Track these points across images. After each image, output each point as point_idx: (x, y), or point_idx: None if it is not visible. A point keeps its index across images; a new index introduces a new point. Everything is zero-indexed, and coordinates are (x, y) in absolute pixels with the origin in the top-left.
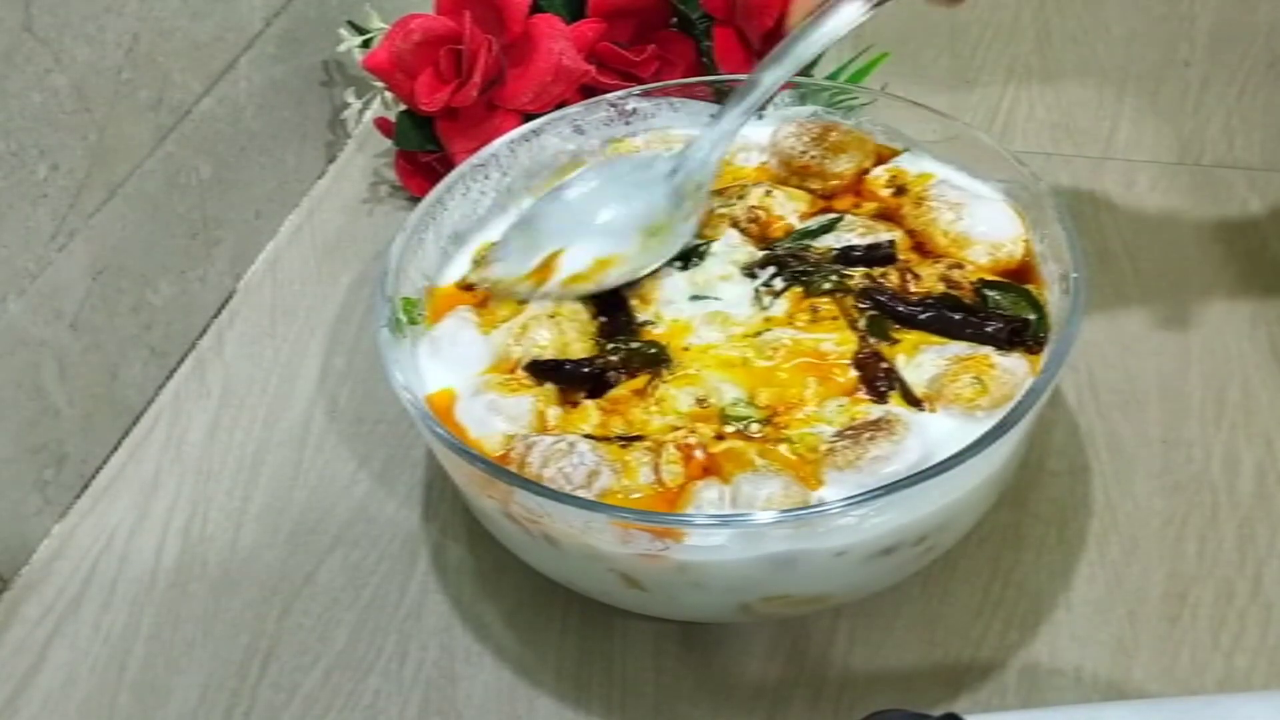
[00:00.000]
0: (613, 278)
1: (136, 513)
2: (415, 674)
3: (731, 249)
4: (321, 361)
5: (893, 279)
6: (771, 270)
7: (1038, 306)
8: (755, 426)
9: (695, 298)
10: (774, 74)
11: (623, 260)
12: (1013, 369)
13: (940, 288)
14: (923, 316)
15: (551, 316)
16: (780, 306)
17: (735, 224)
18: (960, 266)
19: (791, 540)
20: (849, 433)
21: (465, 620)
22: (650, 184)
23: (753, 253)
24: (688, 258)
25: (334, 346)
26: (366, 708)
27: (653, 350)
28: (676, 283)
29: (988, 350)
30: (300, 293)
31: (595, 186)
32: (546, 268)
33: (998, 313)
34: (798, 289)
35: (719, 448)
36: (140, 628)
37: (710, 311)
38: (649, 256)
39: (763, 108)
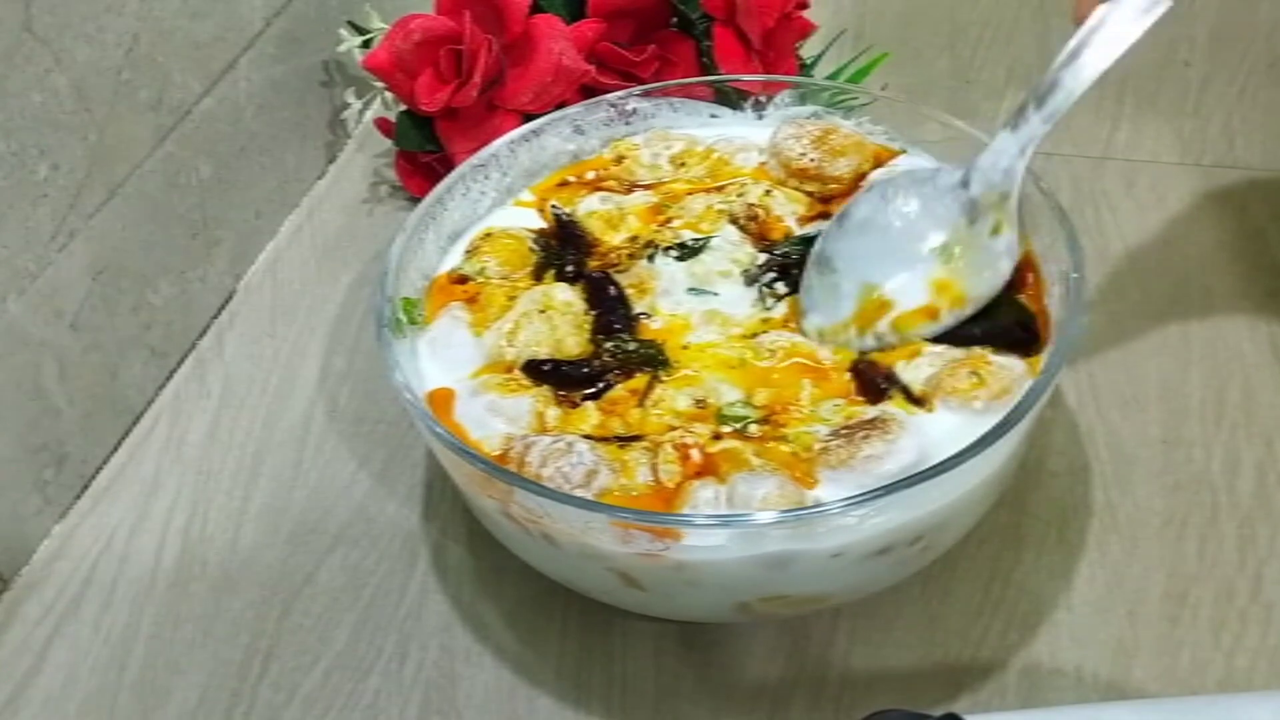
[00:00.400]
0: (949, 315)
1: (136, 513)
2: (415, 674)
3: (731, 246)
4: (321, 361)
5: None
6: (773, 274)
7: (1027, 314)
8: (753, 427)
9: (693, 290)
10: (1076, 74)
11: (937, 290)
12: (1009, 366)
13: None
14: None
15: (543, 312)
16: (780, 309)
17: (734, 220)
18: None
19: (789, 540)
20: (843, 431)
21: (465, 620)
22: (937, 198)
23: (753, 253)
24: (687, 250)
25: (334, 346)
26: (366, 708)
27: (650, 351)
28: (674, 273)
29: (984, 350)
30: (300, 293)
31: (875, 209)
32: (871, 308)
33: (988, 319)
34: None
35: (715, 447)
36: (140, 628)
37: (708, 310)
38: (970, 281)
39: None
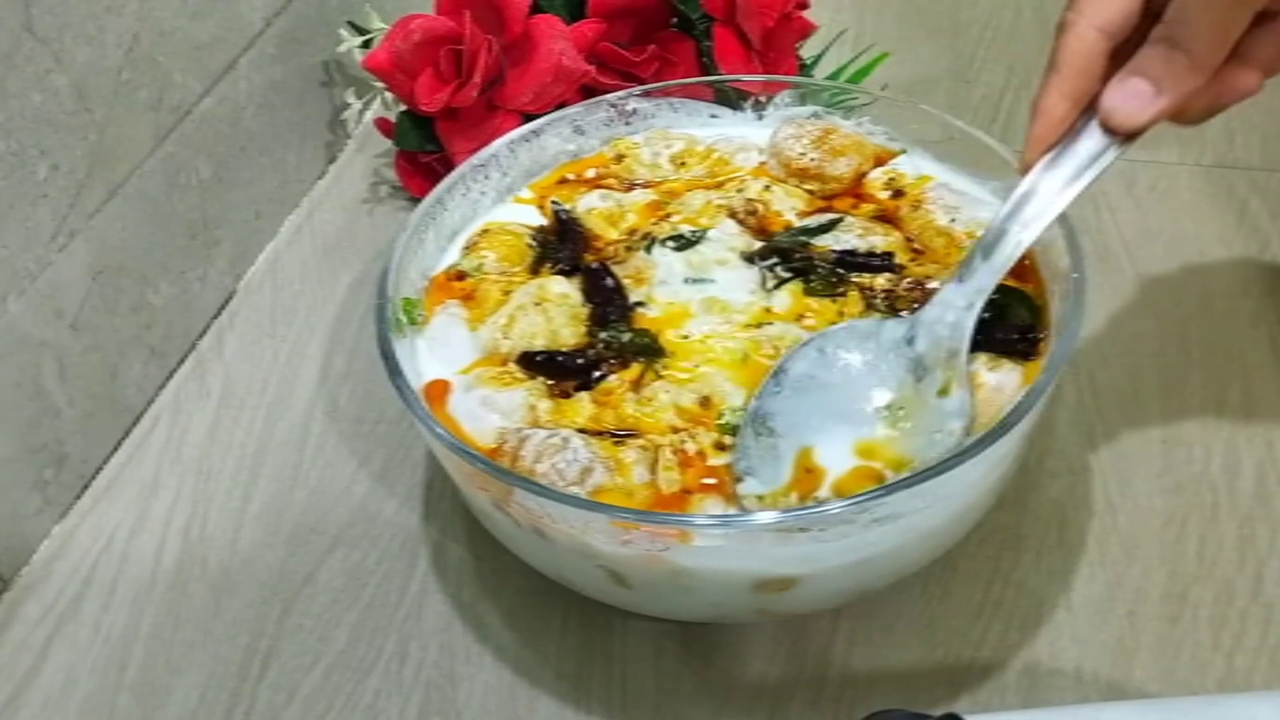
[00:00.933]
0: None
1: (136, 513)
2: (415, 674)
3: (729, 237)
4: (321, 361)
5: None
6: (775, 259)
7: (1034, 308)
8: None
9: (690, 280)
10: (1024, 224)
11: (881, 458)
12: (1001, 386)
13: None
14: None
15: (538, 304)
16: (782, 300)
17: (733, 214)
18: None
19: (790, 543)
20: None
21: (465, 620)
22: (880, 355)
23: (751, 242)
24: (684, 241)
25: (334, 346)
26: (366, 708)
27: (644, 340)
28: (671, 263)
29: (977, 367)
30: (300, 293)
31: (815, 362)
32: (808, 475)
33: (1003, 322)
34: (801, 283)
35: (720, 459)
36: (140, 628)
37: (707, 298)
38: (917, 443)
39: (763, 107)
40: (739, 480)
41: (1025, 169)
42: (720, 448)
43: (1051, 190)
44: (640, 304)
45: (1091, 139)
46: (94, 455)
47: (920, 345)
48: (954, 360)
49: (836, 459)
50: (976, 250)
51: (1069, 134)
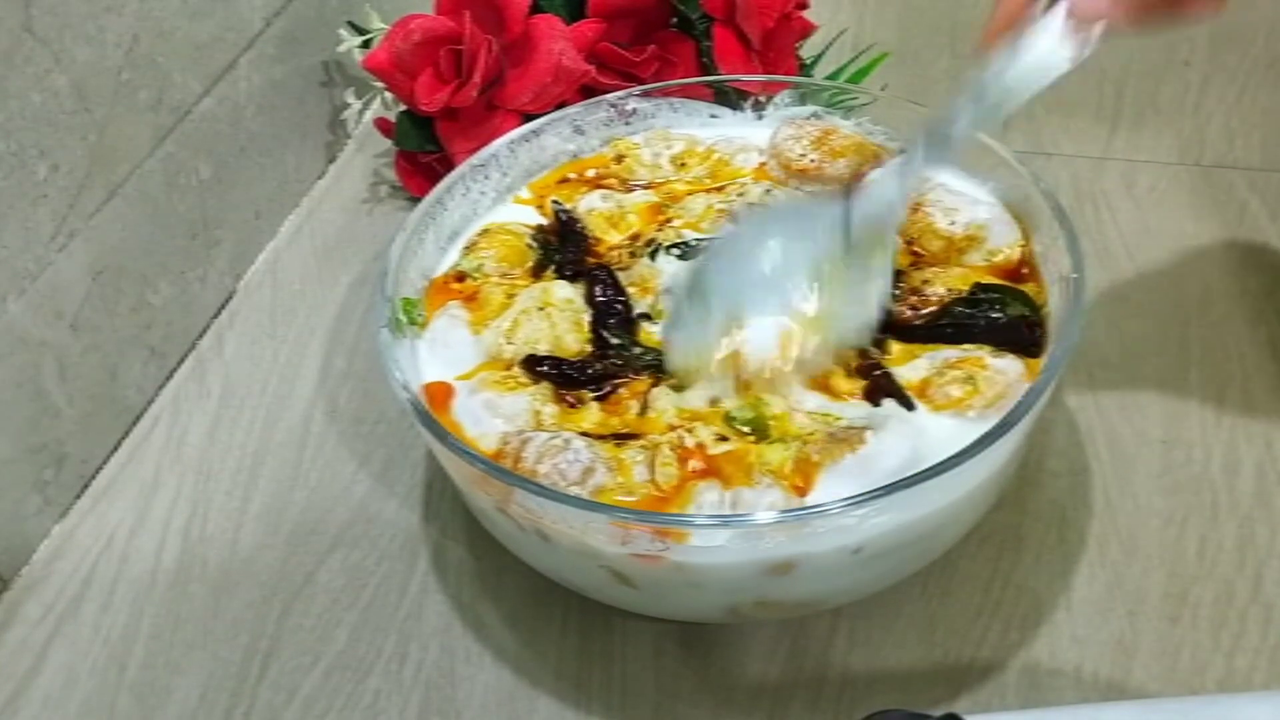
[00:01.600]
0: (806, 356)
1: (136, 513)
2: (415, 674)
3: None
4: (321, 361)
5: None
6: None
7: (1034, 308)
8: (756, 434)
9: None
10: (971, 113)
11: (804, 328)
12: (1006, 370)
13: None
14: (941, 325)
15: (541, 309)
16: None
17: (735, 220)
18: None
19: (789, 543)
20: (841, 434)
21: (465, 620)
22: (817, 230)
23: None
24: (689, 249)
25: (334, 346)
26: (366, 708)
27: (649, 357)
28: (676, 272)
29: (982, 353)
30: (300, 293)
31: (755, 234)
32: (733, 356)
33: (1005, 318)
34: None
35: (719, 448)
36: (140, 628)
37: None
38: (833, 322)
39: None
40: (669, 349)
41: (985, 45)
42: (721, 439)
43: (1008, 83)
44: (646, 316)
45: (1053, 32)
46: (94, 455)
47: (853, 221)
48: (881, 244)
49: (761, 331)
50: (921, 136)
51: (1031, 24)
